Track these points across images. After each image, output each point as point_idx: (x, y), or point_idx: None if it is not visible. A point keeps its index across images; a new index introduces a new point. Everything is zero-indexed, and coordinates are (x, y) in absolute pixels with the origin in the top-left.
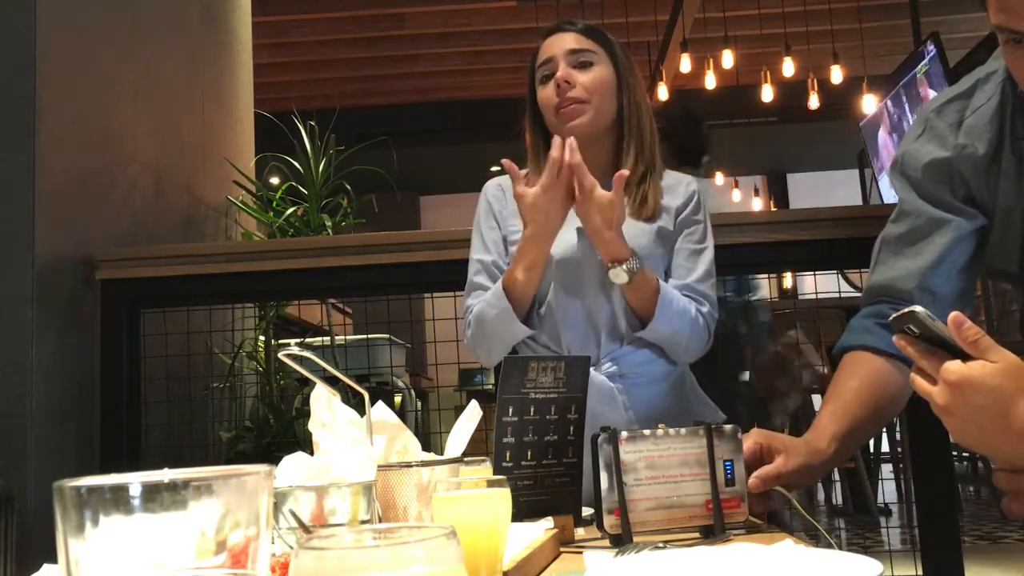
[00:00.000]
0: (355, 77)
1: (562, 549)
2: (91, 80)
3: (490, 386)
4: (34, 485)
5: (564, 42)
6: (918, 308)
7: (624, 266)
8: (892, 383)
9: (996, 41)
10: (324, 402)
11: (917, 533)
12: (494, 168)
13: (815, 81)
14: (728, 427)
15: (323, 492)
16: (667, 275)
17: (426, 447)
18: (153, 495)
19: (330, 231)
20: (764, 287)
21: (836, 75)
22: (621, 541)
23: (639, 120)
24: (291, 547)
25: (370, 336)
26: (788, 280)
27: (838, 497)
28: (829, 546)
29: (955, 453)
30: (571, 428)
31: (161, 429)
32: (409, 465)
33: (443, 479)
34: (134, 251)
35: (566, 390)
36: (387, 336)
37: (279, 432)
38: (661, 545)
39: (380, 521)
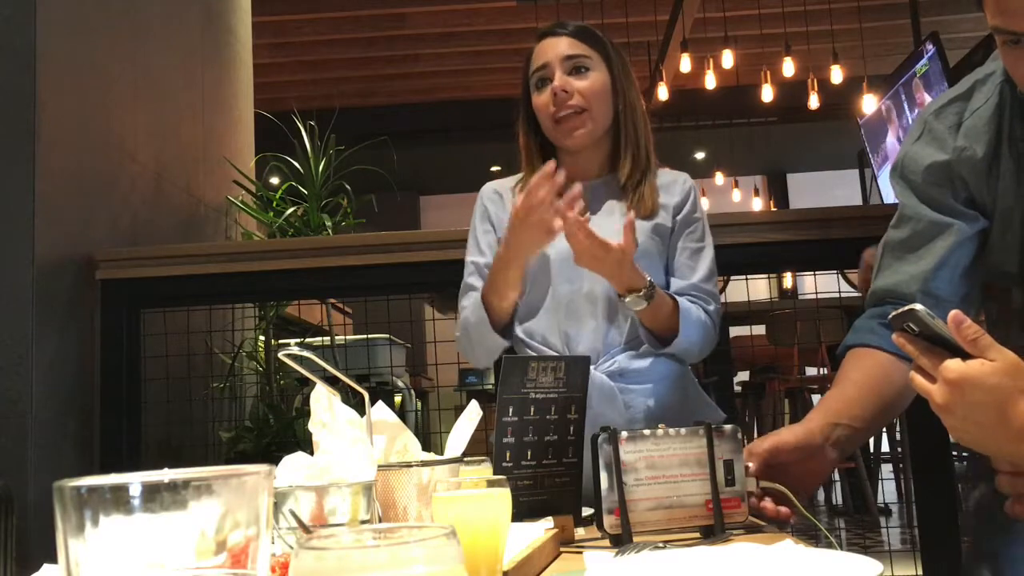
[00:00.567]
0: (355, 77)
1: (562, 549)
2: (91, 80)
3: (490, 386)
4: (34, 485)
5: (559, 47)
6: (918, 306)
7: (642, 293)
8: (896, 376)
9: (996, 41)
10: (324, 402)
11: (917, 533)
12: (494, 168)
13: (815, 81)
14: (728, 427)
15: (323, 492)
16: (666, 272)
17: (426, 447)
18: (153, 495)
19: (330, 231)
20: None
21: (836, 75)
22: (621, 541)
23: (634, 121)
24: (291, 547)
25: (370, 336)
26: (788, 280)
27: (838, 497)
28: (830, 546)
29: (955, 453)
30: (571, 428)
31: (161, 429)
32: (409, 465)
33: (443, 479)
34: (134, 251)
35: (566, 390)
36: (387, 336)
37: (279, 432)
38: (661, 545)
39: (380, 521)
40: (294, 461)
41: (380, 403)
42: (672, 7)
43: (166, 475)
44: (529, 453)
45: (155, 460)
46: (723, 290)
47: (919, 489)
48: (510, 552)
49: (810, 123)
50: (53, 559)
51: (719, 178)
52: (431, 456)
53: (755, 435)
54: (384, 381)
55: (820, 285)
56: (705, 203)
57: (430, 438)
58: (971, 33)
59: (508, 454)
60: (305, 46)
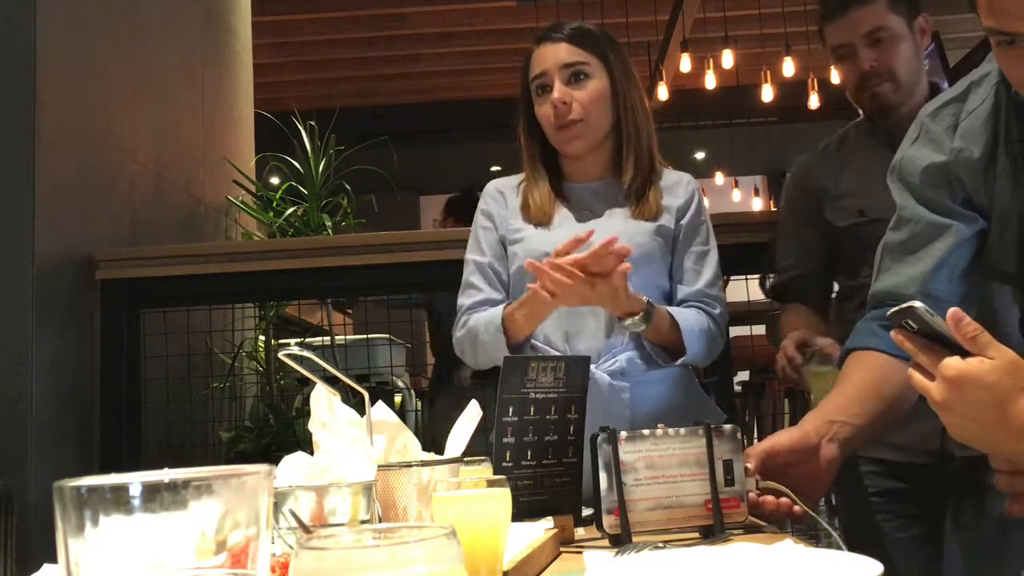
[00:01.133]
0: (355, 77)
1: (562, 549)
2: (91, 80)
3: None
4: (34, 485)
5: (557, 55)
6: (917, 303)
7: (640, 315)
8: (897, 376)
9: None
10: (324, 402)
11: None
12: (494, 168)
13: (815, 81)
14: (728, 427)
15: (323, 492)
16: (670, 275)
17: (426, 447)
18: (153, 495)
19: (330, 231)
20: None
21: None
22: (621, 541)
23: (636, 122)
24: (291, 547)
25: (370, 336)
26: None
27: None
28: (832, 545)
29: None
30: (571, 428)
31: (161, 429)
32: (409, 465)
33: (443, 479)
34: (134, 251)
35: (566, 390)
36: (387, 336)
37: (279, 432)
38: (661, 545)
39: (380, 521)
40: (294, 461)
41: (380, 403)
42: (672, 7)
43: (166, 475)
44: (529, 453)
45: (155, 460)
46: (723, 290)
47: None
48: (510, 552)
49: (810, 123)
50: (53, 559)
51: (719, 178)
52: (431, 456)
53: (755, 435)
54: (384, 381)
55: None
56: (705, 203)
57: (432, 438)
58: (971, 33)
59: (508, 454)
60: (305, 46)
